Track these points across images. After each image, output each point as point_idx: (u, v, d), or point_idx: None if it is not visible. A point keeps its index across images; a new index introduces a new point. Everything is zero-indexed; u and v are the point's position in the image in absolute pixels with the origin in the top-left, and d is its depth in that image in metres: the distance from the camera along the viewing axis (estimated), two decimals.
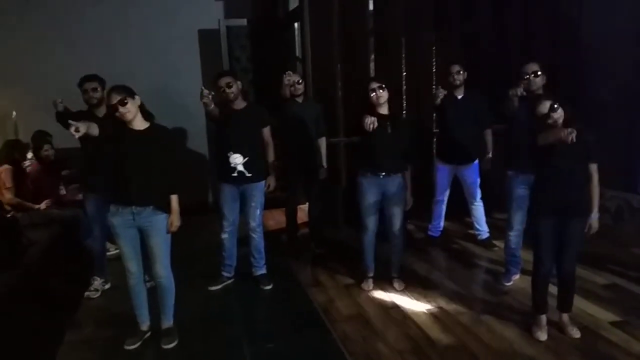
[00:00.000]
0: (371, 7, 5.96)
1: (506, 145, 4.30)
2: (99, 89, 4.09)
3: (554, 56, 5.95)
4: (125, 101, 3.17)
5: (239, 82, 4.18)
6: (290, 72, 4.88)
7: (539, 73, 3.96)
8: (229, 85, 4.10)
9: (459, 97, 4.87)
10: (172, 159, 3.38)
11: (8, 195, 5.01)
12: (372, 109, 3.99)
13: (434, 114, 5.67)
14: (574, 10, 5.99)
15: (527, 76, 3.96)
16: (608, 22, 5.71)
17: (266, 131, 4.36)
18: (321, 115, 5.05)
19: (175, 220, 3.39)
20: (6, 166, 5.10)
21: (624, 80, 5.54)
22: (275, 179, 4.42)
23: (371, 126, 3.79)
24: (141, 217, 3.32)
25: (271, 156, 4.42)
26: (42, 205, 5.12)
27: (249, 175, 4.20)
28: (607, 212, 5.70)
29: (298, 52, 6.55)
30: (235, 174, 4.19)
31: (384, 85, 4.00)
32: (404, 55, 5.96)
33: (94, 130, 3.21)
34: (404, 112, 5.97)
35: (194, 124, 6.76)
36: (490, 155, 5.05)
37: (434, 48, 6.00)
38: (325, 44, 5.77)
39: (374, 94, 3.98)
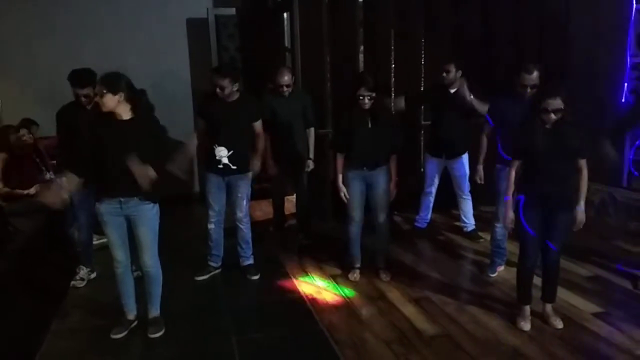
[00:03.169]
0: None
1: (495, 140, 4.31)
2: (91, 94, 3.89)
3: (541, 52, 5.99)
4: (103, 93, 3.16)
5: (236, 84, 4.09)
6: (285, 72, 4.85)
7: (536, 85, 3.90)
8: (222, 87, 4.04)
9: (452, 91, 4.89)
10: (153, 146, 3.28)
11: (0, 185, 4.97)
12: (354, 104, 4.04)
13: (422, 97, 5.67)
14: (561, 6, 6.02)
15: (527, 87, 3.89)
16: (595, 19, 5.75)
17: (257, 125, 4.31)
18: (310, 106, 5.03)
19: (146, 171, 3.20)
20: (3, 154, 5.05)
21: (608, 75, 5.59)
22: (259, 163, 4.35)
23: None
24: (129, 207, 3.31)
25: (260, 147, 4.38)
26: (32, 190, 5.05)
27: (234, 167, 4.20)
28: (591, 205, 5.77)
29: (287, 43, 6.52)
30: (221, 166, 4.19)
31: (373, 95, 4.01)
32: (392, 47, 5.97)
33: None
34: (392, 104, 5.98)
35: (181, 113, 6.70)
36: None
37: (423, 40, 6.01)
38: (314, 35, 5.75)
39: (362, 100, 4.00)
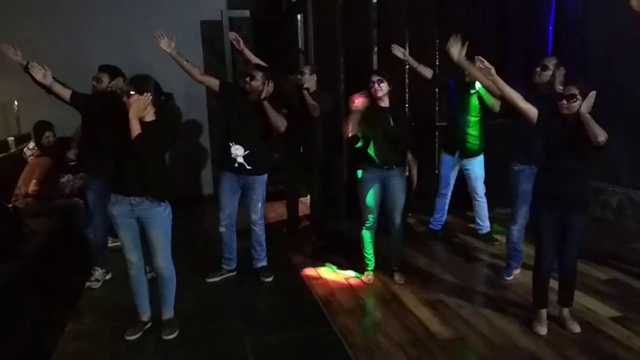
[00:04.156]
0: None
1: (512, 139, 4.26)
2: (103, 80, 4.11)
3: (557, 52, 5.93)
4: (131, 94, 3.19)
5: (265, 83, 4.00)
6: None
7: (548, 67, 3.96)
8: (252, 77, 4.06)
9: (472, 91, 4.84)
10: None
11: (34, 187, 5.01)
12: (371, 101, 4.00)
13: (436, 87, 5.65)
14: (578, 8, 5.96)
15: (538, 68, 4.00)
16: (613, 21, 5.67)
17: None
18: (328, 103, 4.97)
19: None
20: (47, 159, 5.13)
21: (627, 77, 5.51)
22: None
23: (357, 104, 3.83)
24: (140, 209, 3.32)
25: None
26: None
27: (249, 168, 4.19)
28: (609, 207, 5.69)
29: (301, 44, 6.52)
30: (236, 165, 4.19)
31: (383, 79, 4.01)
32: (407, 48, 5.93)
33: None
34: (407, 104, 5.95)
35: (195, 115, 6.76)
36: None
37: (437, 41, 5.98)
38: (328, 36, 5.75)
39: (373, 86, 3.99)
